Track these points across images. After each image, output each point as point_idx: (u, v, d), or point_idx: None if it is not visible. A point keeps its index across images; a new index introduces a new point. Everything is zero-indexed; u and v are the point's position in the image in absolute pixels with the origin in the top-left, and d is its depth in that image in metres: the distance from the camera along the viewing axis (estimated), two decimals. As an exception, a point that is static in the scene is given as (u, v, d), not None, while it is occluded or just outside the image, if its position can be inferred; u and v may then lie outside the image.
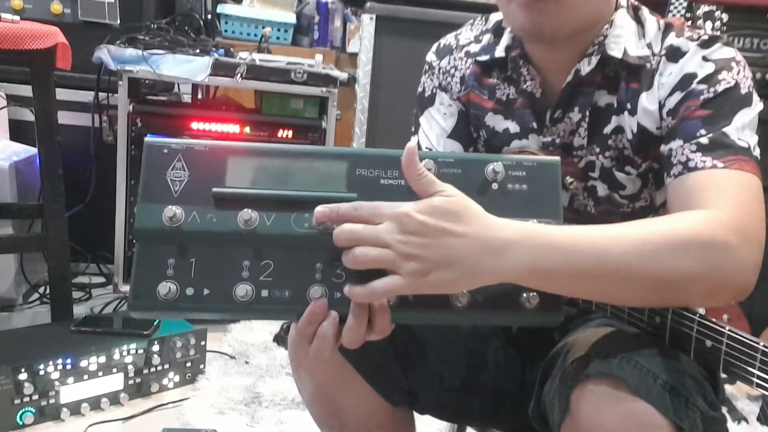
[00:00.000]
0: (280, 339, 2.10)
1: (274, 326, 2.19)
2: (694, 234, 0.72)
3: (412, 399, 1.00)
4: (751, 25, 2.30)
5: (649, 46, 0.92)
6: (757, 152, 0.84)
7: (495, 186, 0.74)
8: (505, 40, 1.00)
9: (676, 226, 0.74)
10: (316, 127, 2.24)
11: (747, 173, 0.81)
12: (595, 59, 0.92)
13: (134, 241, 0.69)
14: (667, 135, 0.88)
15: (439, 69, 1.06)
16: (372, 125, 2.27)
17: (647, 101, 0.91)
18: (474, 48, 1.04)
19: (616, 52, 0.91)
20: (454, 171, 0.73)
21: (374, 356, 0.91)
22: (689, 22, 0.98)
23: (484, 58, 1.02)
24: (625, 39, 0.92)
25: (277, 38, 2.79)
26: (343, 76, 2.22)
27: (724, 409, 0.78)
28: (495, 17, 1.04)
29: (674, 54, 0.90)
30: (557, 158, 0.76)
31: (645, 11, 0.96)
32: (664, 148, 0.88)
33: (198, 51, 2.12)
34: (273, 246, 0.70)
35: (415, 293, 0.68)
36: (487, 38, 1.03)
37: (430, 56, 1.09)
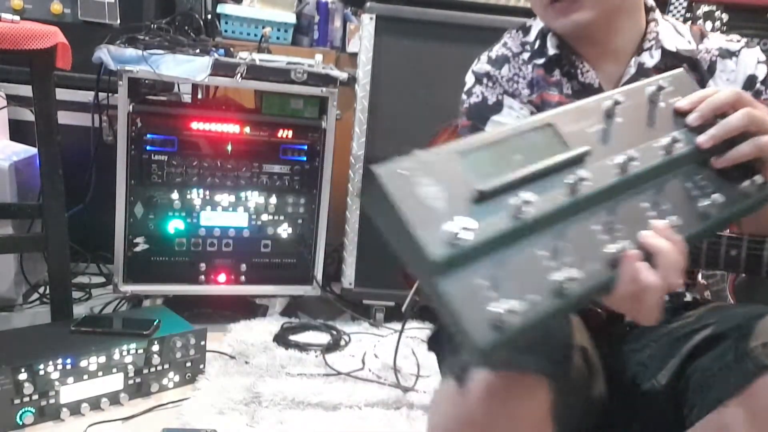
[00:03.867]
0: (280, 339, 2.11)
1: (274, 326, 2.19)
2: None
3: None
4: (751, 25, 2.30)
5: (690, 43, 1.07)
6: None
7: (663, 104, 0.80)
8: (554, 40, 1.09)
9: None
10: (316, 127, 2.24)
11: None
12: (656, 53, 1.05)
13: (429, 278, 0.58)
14: None
15: (502, 77, 1.12)
16: (372, 125, 2.26)
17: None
18: (525, 56, 1.12)
19: (671, 46, 1.05)
20: (633, 103, 0.78)
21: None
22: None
23: (541, 61, 1.10)
24: (670, 36, 1.06)
25: (277, 38, 2.79)
26: (343, 76, 2.22)
27: None
28: (534, 28, 1.13)
29: (726, 53, 1.06)
30: (680, 69, 0.85)
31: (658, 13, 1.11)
32: None
33: (198, 51, 2.12)
34: (555, 222, 0.65)
35: None
36: (535, 45, 1.11)
37: (485, 67, 1.13)
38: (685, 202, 0.74)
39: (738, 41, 1.07)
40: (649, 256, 0.66)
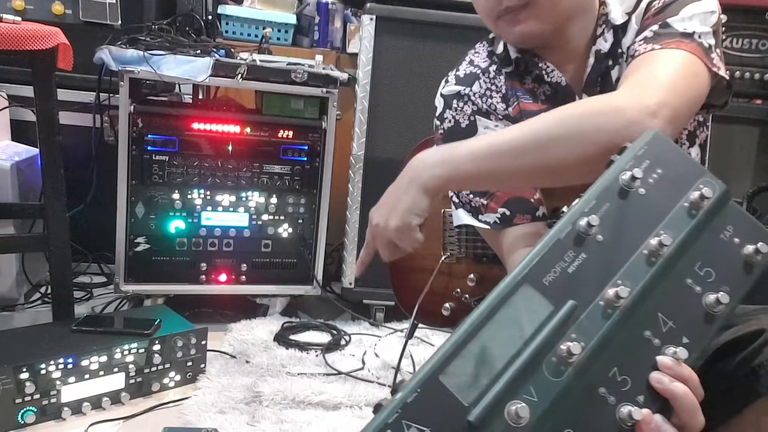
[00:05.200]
0: (280, 338, 2.11)
1: (275, 325, 2.20)
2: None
3: None
4: (750, 25, 2.31)
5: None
6: (705, 39, 0.88)
7: (641, 190, 0.69)
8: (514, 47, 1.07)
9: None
10: (317, 128, 2.24)
11: (680, 50, 0.85)
12: (609, 34, 1.01)
13: None
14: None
15: (474, 94, 1.09)
16: (372, 125, 2.27)
17: (628, 42, 1.00)
18: (494, 67, 1.10)
19: (620, 17, 1.01)
20: (607, 209, 0.67)
21: None
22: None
23: (509, 69, 1.07)
24: (619, 7, 1.02)
25: (278, 39, 2.79)
26: (343, 76, 2.22)
27: None
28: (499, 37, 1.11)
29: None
30: (653, 129, 0.73)
31: None
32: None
33: (199, 51, 2.12)
34: (554, 415, 0.60)
35: None
36: (499, 51, 1.10)
37: (453, 88, 1.11)
38: (689, 309, 0.65)
39: None
40: (663, 401, 0.61)
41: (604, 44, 1.02)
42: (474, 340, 0.61)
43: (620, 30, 1.01)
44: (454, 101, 1.10)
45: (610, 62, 1.02)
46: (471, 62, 1.13)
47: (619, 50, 1.01)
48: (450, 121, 1.10)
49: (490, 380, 0.59)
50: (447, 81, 1.13)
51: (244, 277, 2.26)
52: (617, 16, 1.01)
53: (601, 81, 1.03)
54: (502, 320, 0.62)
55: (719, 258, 0.67)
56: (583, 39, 1.03)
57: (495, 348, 0.61)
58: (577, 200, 0.69)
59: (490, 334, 0.61)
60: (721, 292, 0.65)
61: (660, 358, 0.62)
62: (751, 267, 0.67)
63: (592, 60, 1.02)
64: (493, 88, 1.09)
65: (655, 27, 0.92)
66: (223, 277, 2.24)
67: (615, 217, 0.67)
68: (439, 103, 1.13)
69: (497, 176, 0.85)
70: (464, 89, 1.10)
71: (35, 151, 2.18)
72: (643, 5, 1.00)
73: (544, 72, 1.05)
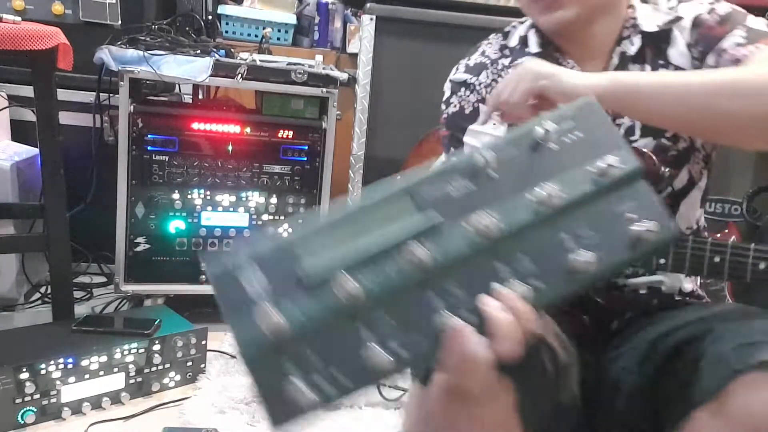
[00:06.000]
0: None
1: (275, 326, 2.20)
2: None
3: None
4: (750, 25, 2.30)
5: (668, 12, 1.05)
6: None
7: (553, 145, 0.70)
8: (535, 39, 1.08)
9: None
10: (317, 128, 2.24)
11: None
12: (636, 38, 1.03)
13: (245, 362, 0.63)
14: (701, 55, 1.00)
15: (480, 84, 1.10)
16: (372, 125, 2.27)
17: (676, 53, 1.02)
18: (505, 61, 1.10)
19: (650, 26, 1.03)
20: (513, 153, 0.69)
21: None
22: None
23: (522, 60, 1.06)
24: (650, 16, 1.04)
25: (278, 39, 2.79)
26: (343, 76, 2.22)
27: None
28: (515, 32, 1.11)
29: (675, 19, 1.04)
30: (588, 96, 0.73)
31: None
32: (705, 63, 0.99)
33: (199, 52, 2.13)
34: (381, 301, 0.64)
35: None
36: (515, 48, 1.10)
37: (461, 75, 1.12)
38: (552, 259, 0.66)
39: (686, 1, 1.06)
40: (483, 324, 0.62)
41: (630, 47, 1.04)
42: (338, 223, 0.65)
43: (652, 38, 1.03)
44: (462, 89, 1.12)
45: (636, 66, 1.03)
46: (483, 53, 1.14)
47: (660, 61, 1.03)
48: (455, 107, 1.12)
49: (335, 255, 0.64)
50: (457, 69, 1.15)
51: (244, 277, 2.26)
52: (647, 23, 1.04)
53: None
54: (372, 217, 0.65)
55: (607, 227, 0.67)
56: (607, 38, 1.05)
57: (353, 235, 0.65)
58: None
59: (354, 224, 0.65)
60: (592, 253, 0.65)
61: (497, 285, 0.63)
62: (637, 243, 0.66)
63: (615, 61, 1.04)
64: (499, 80, 1.09)
65: (741, 32, 0.97)
66: (223, 277, 2.24)
67: (516, 163, 0.68)
68: (447, 88, 1.15)
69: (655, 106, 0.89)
70: (471, 78, 1.11)
71: (35, 151, 2.18)
72: (687, 21, 1.02)
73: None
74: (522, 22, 1.15)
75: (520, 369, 0.71)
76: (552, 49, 1.07)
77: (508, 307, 0.61)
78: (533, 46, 1.08)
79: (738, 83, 0.85)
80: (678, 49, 1.02)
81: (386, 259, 0.64)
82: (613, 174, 0.68)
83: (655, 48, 1.04)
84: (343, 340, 0.63)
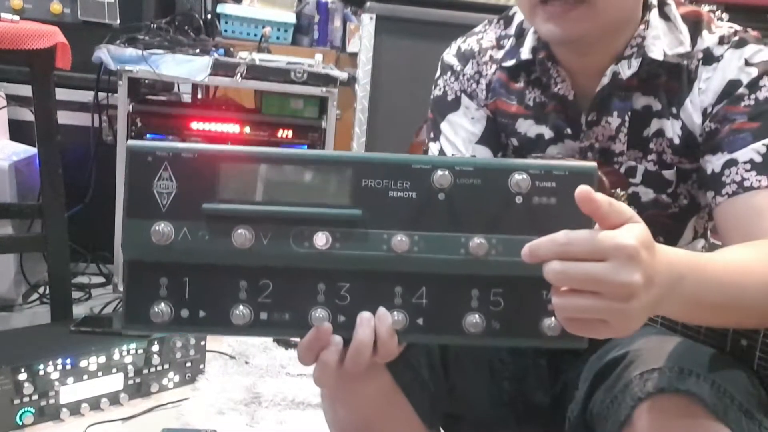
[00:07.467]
0: (279, 339, 2.11)
1: (274, 326, 2.19)
2: None
3: (449, 422, 0.97)
4: (751, 25, 2.29)
5: (683, 44, 0.91)
6: None
7: (519, 200, 0.64)
8: (530, 41, 0.97)
9: None
10: (316, 127, 2.23)
11: None
12: (635, 62, 0.90)
13: (125, 261, 0.65)
14: (712, 145, 0.88)
15: (463, 75, 1.04)
16: (372, 125, 2.27)
17: (691, 107, 0.90)
18: (497, 54, 1.02)
19: (656, 54, 0.90)
20: (473, 182, 0.65)
21: (426, 382, 0.90)
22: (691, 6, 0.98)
23: (510, 63, 0.99)
24: (661, 40, 0.91)
25: (277, 38, 2.79)
26: (343, 76, 2.22)
27: None
28: (516, 19, 1.02)
29: (710, 58, 0.90)
30: (593, 164, 0.67)
31: (673, 7, 0.94)
32: (710, 159, 0.87)
33: (198, 51, 2.12)
34: (271, 266, 0.65)
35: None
36: (509, 42, 1.01)
37: (451, 59, 1.06)
38: (451, 310, 0.65)
39: (729, 41, 0.90)
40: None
41: (625, 69, 0.91)
42: (259, 166, 0.65)
43: (655, 67, 0.91)
44: (448, 73, 1.07)
45: (623, 93, 0.93)
46: (478, 39, 1.06)
47: (671, 110, 0.92)
48: (440, 90, 1.07)
49: (244, 205, 0.64)
50: (450, 48, 1.09)
51: (243, 277, 2.25)
52: (655, 49, 0.90)
53: (601, 107, 0.94)
54: (308, 174, 0.65)
55: (522, 308, 0.66)
56: (609, 55, 0.92)
57: (279, 187, 0.65)
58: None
59: (287, 174, 0.65)
60: (488, 323, 0.66)
61: (382, 310, 0.65)
62: (542, 337, 0.66)
63: (606, 80, 0.92)
64: (481, 73, 1.03)
65: (758, 148, 0.84)
66: (222, 278, 2.23)
67: (471, 197, 0.65)
68: (439, 66, 1.09)
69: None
70: (458, 65, 1.05)
71: (33, 150, 2.17)
72: (718, 80, 0.89)
73: (552, 81, 0.96)
74: None
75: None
76: (545, 58, 0.95)
77: (379, 333, 0.65)
78: (525, 51, 0.98)
79: None
80: (696, 102, 0.90)
81: (291, 230, 0.64)
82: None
83: (649, 80, 0.92)
84: (221, 288, 0.65)
